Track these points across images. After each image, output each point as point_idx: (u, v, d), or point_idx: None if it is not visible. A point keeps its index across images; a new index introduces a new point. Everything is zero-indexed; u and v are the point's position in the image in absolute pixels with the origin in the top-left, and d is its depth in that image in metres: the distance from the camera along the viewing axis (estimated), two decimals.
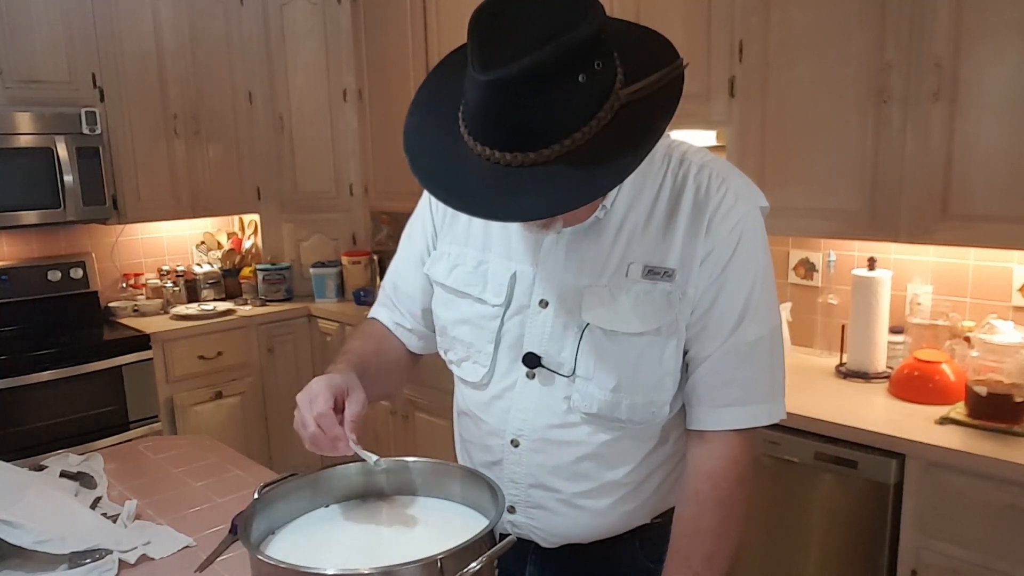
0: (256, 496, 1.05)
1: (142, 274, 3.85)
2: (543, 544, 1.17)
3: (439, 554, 0.88)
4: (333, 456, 1.03)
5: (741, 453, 1.06)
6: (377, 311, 1.33)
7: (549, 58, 0.82)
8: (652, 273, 1.03)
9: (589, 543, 1.15)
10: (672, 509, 1.13)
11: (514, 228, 1.11)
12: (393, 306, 1.30)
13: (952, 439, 1.87)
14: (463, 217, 1.17)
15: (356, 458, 1.04)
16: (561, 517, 1.13)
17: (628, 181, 1.04)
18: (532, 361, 1.09)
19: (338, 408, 1.04)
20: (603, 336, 1.05)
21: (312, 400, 1.02)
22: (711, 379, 1.05)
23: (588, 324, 1.05)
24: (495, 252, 1.13)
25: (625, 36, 0.95)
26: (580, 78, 0.84)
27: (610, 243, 1.06)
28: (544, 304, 1.09)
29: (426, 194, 1.23)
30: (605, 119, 0.88)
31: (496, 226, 1.14)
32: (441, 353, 1.24)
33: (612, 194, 1.04)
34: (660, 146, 1.07)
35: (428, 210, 1.24)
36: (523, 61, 0.82)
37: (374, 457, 1.04)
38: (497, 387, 1.13)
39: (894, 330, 2.35)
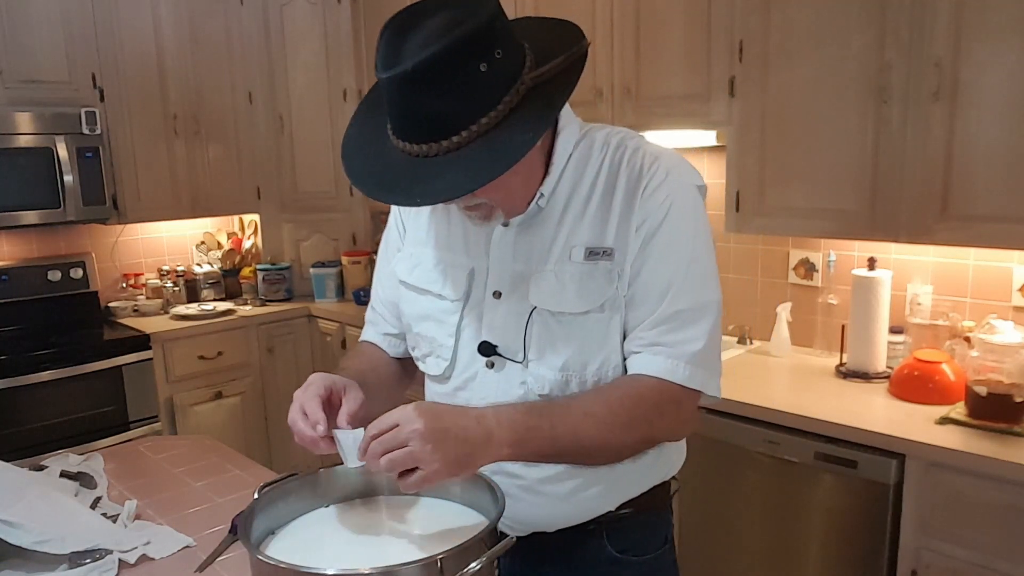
0: (256, 496, 1.05)
1: (142, 274, 3.85)
2: (511, 534, 1.17)
3: (439, 554, 0.89)
4: (318, 453, 1.05)
5: (670, 400, 1.06)
6: (365, 333, 1.39)
7: (442, 51, 0.89)
8: (592, 254, 1.09)
9: (556, 532, 1.17)
10: (638, 498, 1.17)
11: (469, 226, 1.16)
12: (379, 318, 1.36)
13: (952, 439, 1.87)
14: (423, 219, 1.25)
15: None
16: (524, 504, 1.15)
17: (569, 169, 1.11)
18: (487, 350, 1.13)
19: (333, 405, 1.07)
20: (551, 318, 1.09)
21: (305, 388, 1.07)
22: (639, 344, 1.07)
23: (535, 308, 1.10)
24: (453, 250, 1.19)
25: (537, 28, 1.05)
26: (481, 67, 0.92)
27: (553, 230, 1.11)
28: (497, 295, 1.14)
29: None
30: (513, 102, 0.95)
31: (455, 226, 1.20)
32: (411, 351, 1.29)
33: (551, 182, 1.09)
34: (599, 135, 1.13)
35: (396, 217, 1.32)
36: (418, 56, 0.90)
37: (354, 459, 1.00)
38: (459, 379, 1.18)
39: (894, 330, 2.35)
